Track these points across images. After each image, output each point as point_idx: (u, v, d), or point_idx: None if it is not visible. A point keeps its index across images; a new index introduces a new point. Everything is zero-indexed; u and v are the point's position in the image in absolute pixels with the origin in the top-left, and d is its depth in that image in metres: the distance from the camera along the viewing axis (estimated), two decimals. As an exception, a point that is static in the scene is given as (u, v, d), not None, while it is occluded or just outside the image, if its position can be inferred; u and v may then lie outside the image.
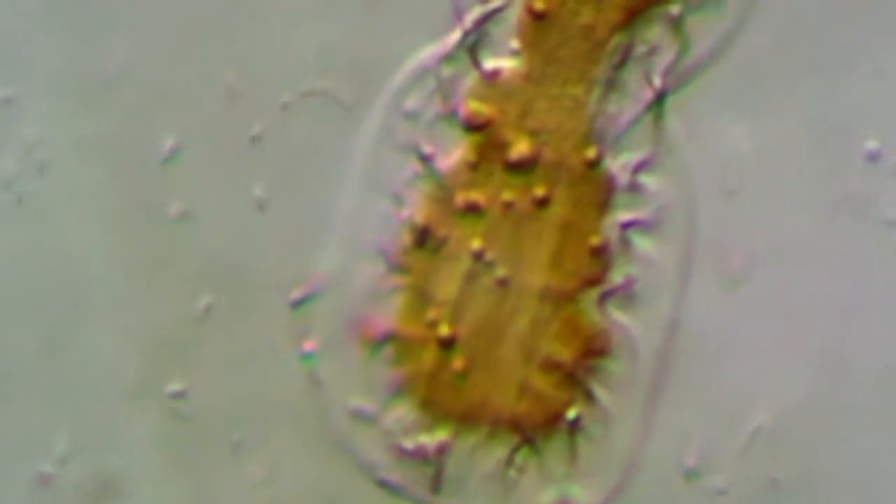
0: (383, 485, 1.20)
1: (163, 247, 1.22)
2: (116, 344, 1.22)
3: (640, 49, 1.20)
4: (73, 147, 1.22)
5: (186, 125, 1.21)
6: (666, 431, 1.22)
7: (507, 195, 1.20)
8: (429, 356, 1.20)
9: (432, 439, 1.20)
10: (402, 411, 1.20)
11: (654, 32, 1.19)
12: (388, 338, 1.20)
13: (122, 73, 1.21)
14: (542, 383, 1.19)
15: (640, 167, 1.20)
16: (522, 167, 1.19)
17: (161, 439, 1.22)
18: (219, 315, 1.22)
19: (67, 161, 1.22)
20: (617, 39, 1.19)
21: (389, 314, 1.20)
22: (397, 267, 1.21)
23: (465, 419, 1.20)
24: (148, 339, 1.22)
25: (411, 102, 1.20)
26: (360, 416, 1.21)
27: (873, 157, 1.22)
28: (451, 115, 1.20)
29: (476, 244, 1.20)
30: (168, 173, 1.22)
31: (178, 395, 1.23)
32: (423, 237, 1.20)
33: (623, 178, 1.20)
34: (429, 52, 1.20)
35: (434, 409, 1.20)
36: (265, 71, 1.21)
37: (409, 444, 1.20)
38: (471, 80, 1.20)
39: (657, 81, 1.20)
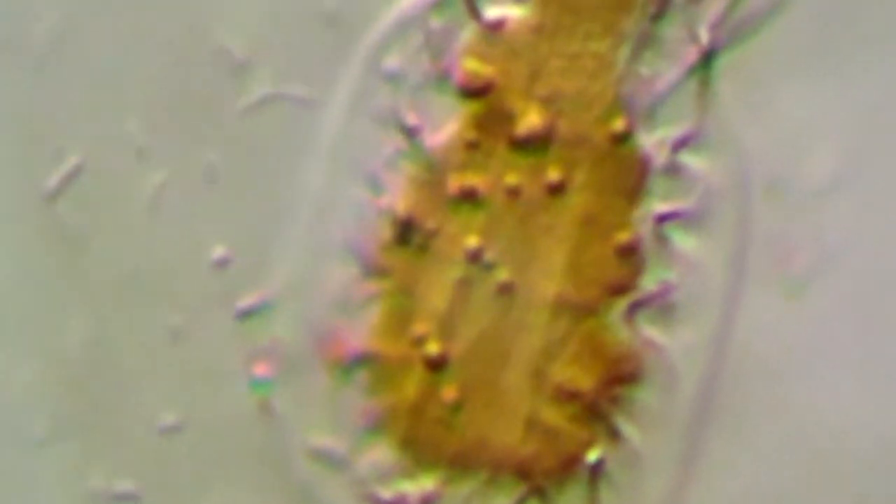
0: (354, 543, 1.20)
1: (78, 254, 1.20)
2: (26, 371, 1.21)
3: (683, -5, 1.17)
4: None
5: (124, 97, 1.20)
6: (712, 480, 1.18)
7: (512, 179, 1.16)
8: (413, 382, 1.16)
9: (416, 488, 1.17)
10: (379, 453, 1.17)
11: (699, -26, 1.19)
12: (363, 359, 1.17)
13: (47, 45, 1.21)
14: (556, 417, 1.16)
15: (680, 144, 1.16)
16: (532, 144, 1.16)
17: (76, 484, 1.20)
18: (149, 333, 1.20)
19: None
20: (653, -17, 1.18)
21: (364, 329, 1.17)
22: (374, 269, 1.17)
23: (458, 462, 1.16)
24: (61, 366, 1.21)
25: (392, 62, 1.17)
26: (326, 458, 1.17)
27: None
28: (442, 77, 1.16)
29: (473, 241, 1.16)
30: (98, 158, 1.20)
31: (99, 424, 1.20)
32: (407, 232, 1.16)
33: (659, 157, 1.16)
34: (414, -3, 1.17)
35: (419, 449, 1.17)
36: (215, 29, 1.20)
37: (386, 493, 1.17)
38: (468, 33, 1.17)
39: (703, 37, 1.16)
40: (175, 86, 1.20)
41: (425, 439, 1.16)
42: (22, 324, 1.21)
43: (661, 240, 1.16)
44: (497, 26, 1.16)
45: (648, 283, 1.16)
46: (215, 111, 1.20)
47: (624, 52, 1.16)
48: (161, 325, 1.20)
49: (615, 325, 1.15)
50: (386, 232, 1.16)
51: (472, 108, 1.16)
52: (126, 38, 1.20)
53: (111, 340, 1.20)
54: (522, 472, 1.16)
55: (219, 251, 1.19)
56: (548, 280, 1.15)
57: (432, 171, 1.16)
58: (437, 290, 1.16)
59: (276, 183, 1.19)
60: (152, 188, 1.20)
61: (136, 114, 1.20)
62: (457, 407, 1.16)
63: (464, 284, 1.15)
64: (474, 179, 1.16)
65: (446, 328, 1.16)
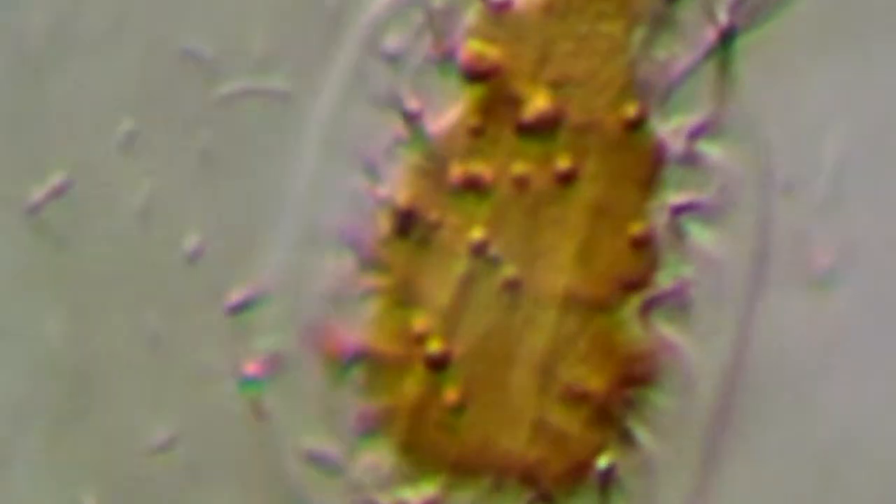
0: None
1: (61, 256, 1.21)
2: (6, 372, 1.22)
3: (700, -27, 1.19)
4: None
5: (110, 96, 1.20)
6: (731, 487, 1.18)
7: (519, 168, 1.16)
8: (413, 383, 1.16)
9: (417, 495, 1.16)
10: (377, 457, 1.17)
11: (718, -50, 1.21)
12: (360, 357, 1.17)
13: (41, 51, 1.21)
14: (564, 420, 1.16)
15: (697, 132, 1.16)
16: (540, 130, 1.16)
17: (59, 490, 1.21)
18: (135, 330, 1.20)
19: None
20: (669, -40, 1.20)
21: (361, 326, 1.17)
22: (373, 263, 1.17)
23: (461, 468, 1.16)
24: (45, 365, 1.21)
25: (391, 42, 1.17)
26: (320, 462, 1.17)
27: None
28: (445, 59, 1.17)
29: (477, 233, 1.16)
30: (87, 149, 1.20)
31: (84, 434, 1.20)
32: (408, 223, 1.16)
33: (675, 145, 1.16)
34: (416, -26, 1.20)
35: (419, 453, 1.17)
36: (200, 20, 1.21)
37: (385, 500, 1.16)
38: (472, 13, 1.17)
39: (722, 17, 1.17)
40: (158, 75, 1.20)
41: (426, 443, 1.16)
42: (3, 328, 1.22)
43: (678, 233, 1.16)
44: (503, 6, 1.16)
45: (664, 278, 1.15)
46: (206, 99, 1.19)
47: (638, 34, 1.16)
48: (148, 324, 1.20)
49: (628, 322, 1.15)
50: (385, 223, 1.16)
51: (476, 92, 1.16)
52: (101, 39, 1.21)
53: (95, 343, 1.20)
54: (529, 477, 1.16)
55: (211, 245, 1.19)
56: (557, 274, 1.15)
57: (434, 159, 1.16)
58: (440, 285, 1.15)
59: (270, 172, 1.19)
60: (138, 184, 1.20)
61: (119, 110, 1.20)
62: (459, 409, 1.15)
63: (468, 279, 1.15)
64: (479, 168, 1.16)
65: (449, 325, 1.16)
